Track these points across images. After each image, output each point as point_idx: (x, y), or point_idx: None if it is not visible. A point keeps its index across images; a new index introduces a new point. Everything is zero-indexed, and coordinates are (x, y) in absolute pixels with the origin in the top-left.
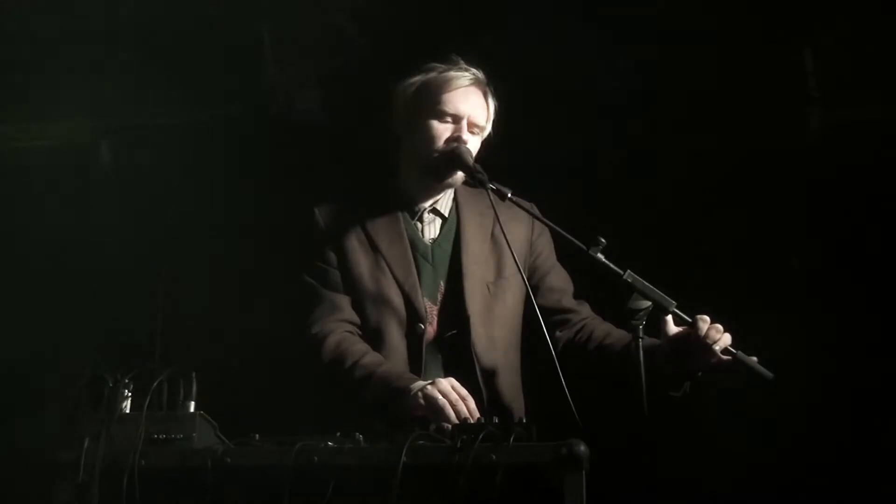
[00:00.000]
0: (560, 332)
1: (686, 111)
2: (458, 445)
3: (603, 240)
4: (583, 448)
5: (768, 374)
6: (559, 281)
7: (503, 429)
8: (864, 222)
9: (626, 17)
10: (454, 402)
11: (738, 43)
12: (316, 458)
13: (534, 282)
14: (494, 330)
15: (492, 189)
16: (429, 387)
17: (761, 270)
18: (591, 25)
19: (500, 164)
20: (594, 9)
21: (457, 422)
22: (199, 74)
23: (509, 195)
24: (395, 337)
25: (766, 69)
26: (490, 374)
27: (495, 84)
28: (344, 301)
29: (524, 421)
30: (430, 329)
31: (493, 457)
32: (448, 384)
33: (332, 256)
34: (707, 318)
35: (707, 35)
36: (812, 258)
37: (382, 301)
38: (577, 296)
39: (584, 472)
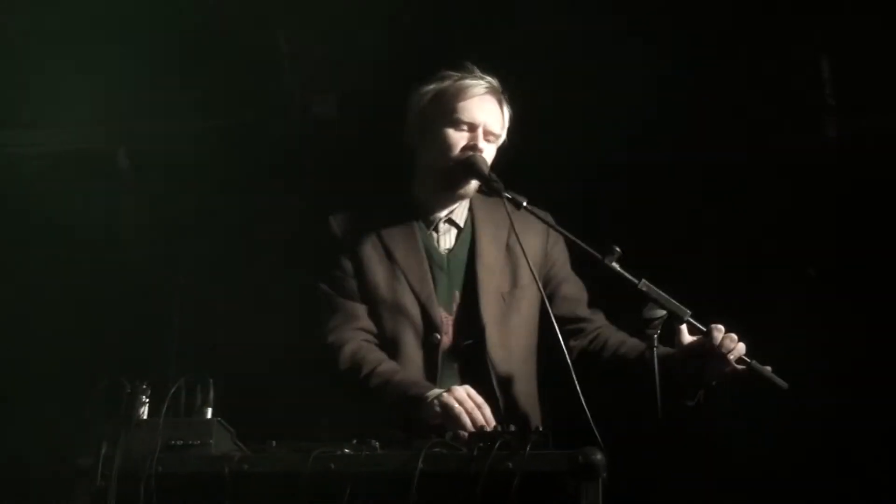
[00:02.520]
0: (574, 341)
1: (701, 119)
2: (475, 453)
3: (618, 248)
4: (599, 456)
5: (783, 383)
6: (574, 290)
7: (520, 437)
8: (881, 231)
9: (640, 24)
10: (470, 410)
11: (753, 51)
12: (332, 466)
13: (548, 291)
14: (510, 339)
15: (507, 198)
16: (445, 394)
17: (778, 280)
18: (605, 32)
19: (516, 171)
20: (607, 16)
21: (473, 429)
22: (216, 81)
23: (525, 204)
24: (411, 346)
25: (781, 77)
26: (506, 383)
27: (511, 92)
28: (360, 310)
29: (540, 429)
30: (446, 339)
31: (510, 465)
32: (464, 392)
33: (349, 265)
34: (722, 327)
35: (721, 43)
36: (829, 267)
37: (398, 310)
38: (592, 305)
39: (600, 480)
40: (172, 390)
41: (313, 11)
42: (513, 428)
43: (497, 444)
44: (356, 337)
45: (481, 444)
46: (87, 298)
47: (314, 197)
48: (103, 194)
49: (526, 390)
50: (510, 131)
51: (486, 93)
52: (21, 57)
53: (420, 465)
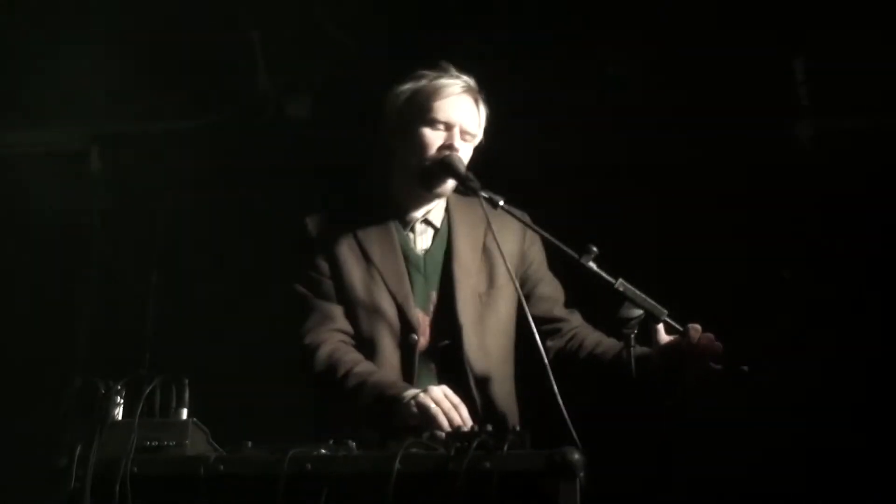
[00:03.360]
0: (551, 341)
1: (676, 120)
2: (452, 453)
3: (595, 248)
4: (577, 456)
5: (760, 382)
6: (550, 290)
7: (497, 436)
8: (855, 231)
9: (618, 26)
10: (447, 410)
11: (728, 52)
12: (309, 466)
13: (525, 291)
14: (487, 339)
15: (484, 197)
16: (421, 395)
17: (753, 281)
18: (578, 33)
19: (495, 171)
20: (582, 16)
21: (450, 430)
22: (190, 81)
23: (501, 203)
24: (388, 347)
25: (756, 79)
26: (483, 383)
27: (489, 91)
28: (336, 310)
29: (517, 429)
30: (423, 339)
31: (487, 465)
32: (441, 392)
33: (324, 266)
34: (699, 327)
35: (698, 44)
36: (804, 268)
37: (375, 311)
38: (569, 304)
39: (578, 480)
40: (147, 390)
41: (285, 12)
42: (490, 428)
43: (474, 444)
44: (333, 338)
45: (458, 445)
46: (57, 298)
47: (289, 196)
48: (76, 194)
49: (503, 391)
50: (487, 131)
51: (463, 92)
52: None
53: (398, 465)
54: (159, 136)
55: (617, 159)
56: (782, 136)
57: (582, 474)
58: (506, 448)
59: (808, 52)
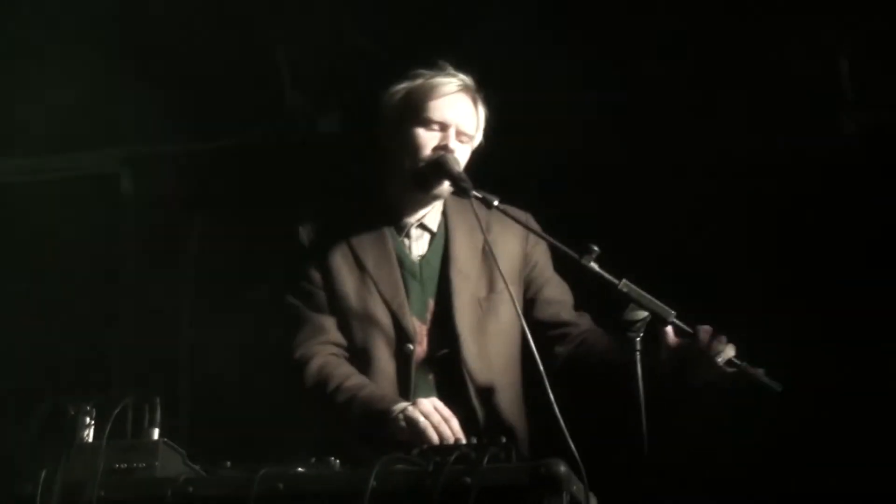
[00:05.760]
0: (560, 347)
1: (713, 116)
2: (430, 468)
3: (596, 248)
4: (563, 468)
5: (776, 385)
6: (557, 293)
7: (478, 449)
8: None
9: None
10: (437, 424)
11: (769, 43)
12: (281, 486)
13: (530, 294)
14: (488, 347)
15: (477, 197)
16: (410, 408)
17: (778, 281)
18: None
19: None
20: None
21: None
22: (220, 100)
23: (496, 203)
24: (384, 358)
25: (799, 71)
26: (486, 393)
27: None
28: (329, 322)
29: (504, 440)
30: (420, 349)
31: (468, 479)
32: (430, 405)
33: (318, 276)
34: (709, 328)
35: (736, 35)
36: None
37: (369, 321)
38: (578, 307)
39: (564, 494)
40: (117, 411)
41: (312, 27)
42: (475, 440)
43: (452, 458)
44: (323, 351)
45: (437, 459)
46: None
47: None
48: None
49: (508, 400)
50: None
51: (459, 91)
52: (18, 83)
53: (372, 482)
54: (189, 156)
55: (649, 157)
56: (826, 131)
57: (569, 488)
58: (486, 461)
59: (854, 46)
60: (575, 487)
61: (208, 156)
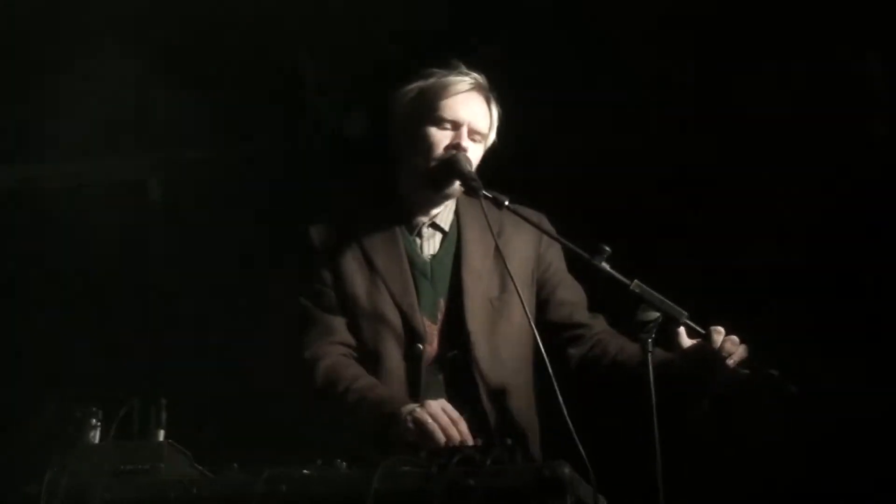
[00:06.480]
0: (573, 348)
1: (742, 117)
2: (434, 470)
3: (607, 248)
4: (567, 470)
5: (791, 387)
6: (570, 294)
7: (482, 451)
8: None
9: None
10: (445, 426)
11: (799, 49)
12: (284, 487)
13: (544, 295)
14: (500, 347)
15: (487, 197)
16: (418, 409)
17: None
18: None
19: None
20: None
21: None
22: (245, 106)
23: (506, 203)
24: (394, 358)
25: (828, 75)
26: (497, 395)
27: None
28: (338, 323)
29: (509, 442)
30: (430, 349)
31: (471, 481)
32: (438, 406)
33: (328, 276)
34: (722, 329)
35: (764, 40)
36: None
37: (379, 321)
38: (592, 309)
39: (568, 497)
40: (123, 413)
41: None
42: (480, 442)
43: (455, 460)
44: (333, 351)
45: (441, 461)
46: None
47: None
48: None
49: (520, 402)
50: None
51: (472, 89)
52: (47, 90)
53: (375, 484)
54: (217, 163)
55: (659, 157)
56: (856, 133)
57: (574, 490)
58: (489, 463)
59: (885, 48)
60: (582, 490)
61: (237, 162)
